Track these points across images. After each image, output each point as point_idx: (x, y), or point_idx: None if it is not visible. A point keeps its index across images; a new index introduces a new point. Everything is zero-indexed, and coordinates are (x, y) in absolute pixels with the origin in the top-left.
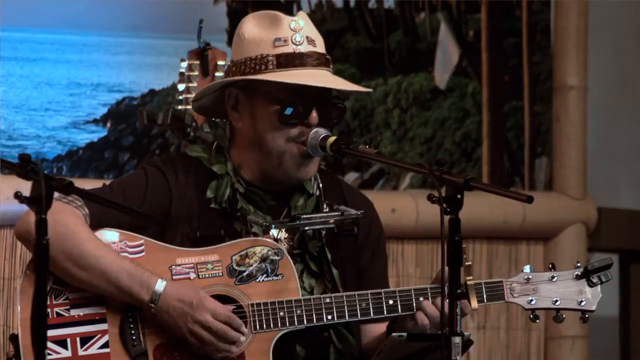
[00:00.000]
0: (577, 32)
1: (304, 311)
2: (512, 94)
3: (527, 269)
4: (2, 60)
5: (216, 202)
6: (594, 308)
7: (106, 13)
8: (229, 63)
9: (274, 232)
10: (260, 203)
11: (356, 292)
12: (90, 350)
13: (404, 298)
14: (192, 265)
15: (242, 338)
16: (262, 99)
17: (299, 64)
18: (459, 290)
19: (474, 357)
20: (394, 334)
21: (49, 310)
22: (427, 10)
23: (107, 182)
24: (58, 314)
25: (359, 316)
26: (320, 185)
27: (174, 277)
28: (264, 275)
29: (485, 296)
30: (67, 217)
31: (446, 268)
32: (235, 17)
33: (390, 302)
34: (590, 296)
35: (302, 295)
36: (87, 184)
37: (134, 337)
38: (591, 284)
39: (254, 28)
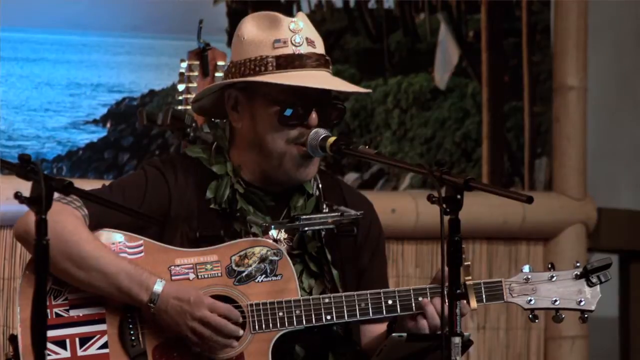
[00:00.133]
0: (577, 32)
1: (303, 311)
2: (512, 94)
3: (526, 268)
4: (2, 61)
5: (216, 203)
6: (593, 308)
7: (106, 13)
8: (228, 64)
9: (273, 232)
10: (259, 203)
11: (355, 293)
12: (90, 351)
13: (403, 298)
14: (191, 265)
15: (242, 332)
16: (262, 100)
17: (298, 65)
18: (458, 291)
19: (474, 357)
20: (393, 334)
21: (48, 310)
22: (427, 10)
23: (107, 183)
24: (57, 315)
25: (358, 316)
26: (320, 185)
27: (173, 277)
28: (263, 276)
29: (484, 296)
30: (66, 218)
31: (445, 268)
32: (235, 17)
33: (389, 302)
34: (590, 296)
35: (302, 296)
36: (87, 184)
37: (133, 338)
38: (590, 284)
39: (253, 29)
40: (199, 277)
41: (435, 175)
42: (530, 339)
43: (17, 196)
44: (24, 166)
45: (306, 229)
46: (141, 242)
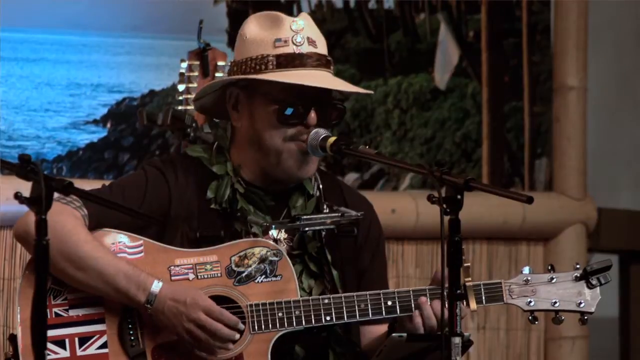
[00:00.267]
0: (577, 32)
1: (302, 312)
2: (512, 95)
3: (526, 270)
4: (2, 61)
5: (216, 203)
6: (592, 310)
7: (106, 13)
8: (230, 63)
9: (273, 232)
10: (260, 203)
11: (354, 293)
12: (89, 351)
13: (402, 299)
14: (191, 265)
15: (238, 336)
16: (262, 98)
17: (298, 65)
18: (458, 291)
19: (474, 358)
20: (393, 334)
21: (47, 310)
22: (427, 10)
23: (107, 183)
24: (57, 314)
25: (358, 317)
26: (320, 186)
27: (173, 277)
28: (263, 276)
29: (484, 297)
30: (65, 218)
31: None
32: (235, 17)
33: (389, 303)
34: (589, 298)
35: (301, 296)
36: (87, 184)
37: (132, 338)
38: (590, 286)
39: (255, 28)
40: (199, 277)
41: (435, 175)
42: (530, 339)
43: (17, 196)
44: (24, 166)
45: (306, 229)
46: (141, 242)
